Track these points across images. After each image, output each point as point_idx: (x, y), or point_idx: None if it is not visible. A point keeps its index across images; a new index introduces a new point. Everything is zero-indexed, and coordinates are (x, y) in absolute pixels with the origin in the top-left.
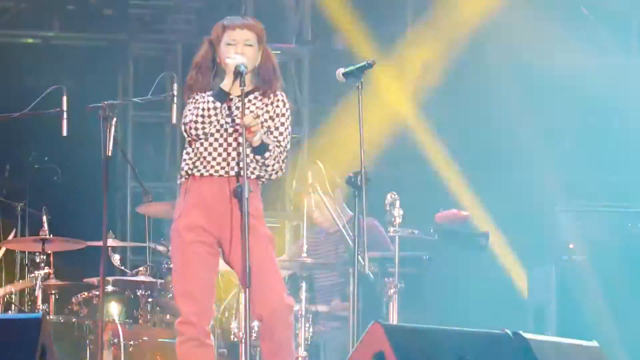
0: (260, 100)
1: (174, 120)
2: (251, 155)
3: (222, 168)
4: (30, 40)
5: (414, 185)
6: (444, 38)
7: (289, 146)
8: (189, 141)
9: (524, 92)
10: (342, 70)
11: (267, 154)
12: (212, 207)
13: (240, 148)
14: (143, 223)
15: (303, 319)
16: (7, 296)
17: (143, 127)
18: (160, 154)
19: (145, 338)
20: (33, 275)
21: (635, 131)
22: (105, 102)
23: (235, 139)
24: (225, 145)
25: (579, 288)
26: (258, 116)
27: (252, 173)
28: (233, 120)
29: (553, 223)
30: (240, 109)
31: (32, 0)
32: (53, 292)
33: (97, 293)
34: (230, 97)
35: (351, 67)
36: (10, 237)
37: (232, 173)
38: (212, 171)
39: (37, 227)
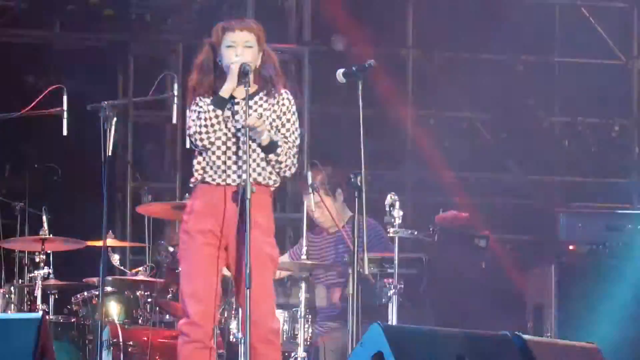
0: (266, 100)
1: (175, 121)
2: (263, 155)
3: (237, 176)
4: (30, 40)
5: (414, 187)
6: (444, 38)
7: (297, 141)
8: (198, 150)
9: (524, 91)
10: (342, 70)
11: (278, 150)
12: (223, 214)
13: (254, 154)
14: (143, 223)
15: (302, 319)
16: (7, 295)
17: (143, 127)
18: (160, 154)
19: (144, 338)
20: (33, 275)
21: (635, 132)
22: (106, 102)
23: (241, 147)
24: (238, 151)
25: (579, 289)
26: (261, 116)
27: (269, 178)
28: (240, 125)
29: (552, 224)
30: (244, 109)
31: (33, 0)
32: (53, 292)
33: (97, 293)
34: (236, 100)
35: (351, 68)
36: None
37: (239, 181)
38: (225, 178)
39: (37, 227)
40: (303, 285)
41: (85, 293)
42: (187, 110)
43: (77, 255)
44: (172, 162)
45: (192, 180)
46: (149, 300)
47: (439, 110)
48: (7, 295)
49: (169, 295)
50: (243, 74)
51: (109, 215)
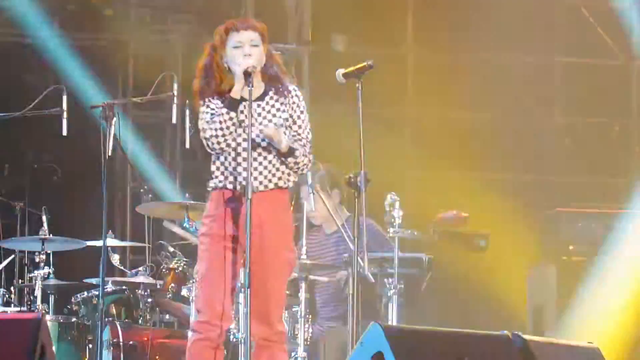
0: (277, 100)
1: (174, 120)
2: (283, 160)
3: (255, 180)
4: (30, 40)
5: (414, 186)
6: (445, 38)
7: (310, 136)
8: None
9: (524, 91)
10: (341, 71)
11: (296, 153)
12: (244, 219)
13: (274, 159)
14: (143, 223)
15: (302, 319)
16: (7, 295)
17: (143, 127)
18: (160, 153)
19: (144, 338)
20: (32, 275)
21: (635, 132)
22: (106, 102)
23: (260, 151)
24: (254, 155)
25: (579, 289)
26: (280, 125)
27: (288, 180)
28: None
29: (553, 224)
30: (247, 109)
31: (33, 0)
32: (52, 292)
33: (97, 293)
34: (246, 101)
35: (351, 68)
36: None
37: (262, 188)
38: (241, 181)
39: (37, 227)
40: (302, 285)
41: (85, 293)
42: (199, 115)
43: (77, 255)
44: (172, 162)
45: (212, 185)
46: (149, 300)
47: (439, 110)
48: (6, 295)
49: (169, 295)
50: (247, 75)
51: (108, 215)
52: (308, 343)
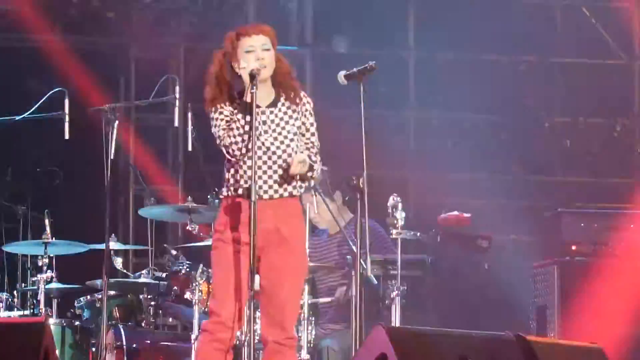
0: (289, 107)
1: (176, 123)
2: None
3: (265, 190)
4: (32, 44)
5: (417, 188)
6: (446, 39)
7: (318, 142)
8: (229, 160)
9: (525, 92)
10: (343, 73)
11: (315, 167)
12: (259, 227)
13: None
14: (145, 226)
15: (305, 322)
16: (10, 299)
17: (145, 130)
18: (162, 156)
19: (147, 341)
20: (36, 278)
21: (637, 132)
22: (108, 105)
23: (271, 157)
24: (268, 160)
25: (581, 290)
26: (304, 160)
27: (300, 187)
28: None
29: (555, 224)
30: (269, 117)
31: (34, 3)
32: (55, 295)
33: (100, 296)
34: (261, 109)
35: (353, 70)
36: None
37: (276, 196)
38: (257, 190)
39: (40, 231)
40: (305, 287)
41: (88, 296)
42: (212, 122)
43: (80, 259)
44: (174, 165)
45: (226, 192)
46: (152, 303)
47: (441, 111)
48: (10, 299)
49: (172, 298)
50: (251, 78)
51: (111, 218)
52: (311, 346)
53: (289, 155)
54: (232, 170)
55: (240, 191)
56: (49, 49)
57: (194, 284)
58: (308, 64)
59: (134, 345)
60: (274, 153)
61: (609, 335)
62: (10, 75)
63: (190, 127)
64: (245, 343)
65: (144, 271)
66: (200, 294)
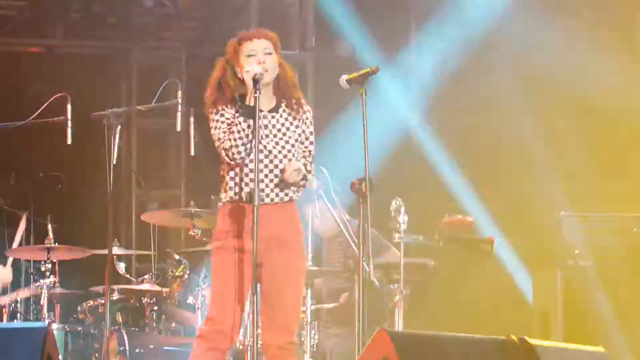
0: (289, 114)
1: (178, 128)
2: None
3: (265, 194)
4: (34, 49)
5: (419, 192)
6: (447, 44)
7: (314, 151)
8: (228, 164)
9: (528, 97)
10: (345, 76)
11: (308, 176)
12: (260, 233)
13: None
14: (148, 231)
15: (309, 326)
16: (13, 304)
17: (147, 135)
18: (164, 161)
19: (151, 346)
20: (39, 283)
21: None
22: (110, 110)
23: (272, 161)
24: (268, 164)
25: (585, 293)
26: (298, 169)
27: (297, 191)
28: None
29: (558, 228)
30: (271, 121)
31: (36, 9)
32: (58, 300)
33: (103, 301)
34: (263, 113)
35: (355, 74)
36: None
37: (277, 200)
38: (262, 196)
39: (42, 236)
40: (308, 292)
41: (91, 301)
42: (211, 123)
43: (83, 264)
44: (176, 169)
45: (225, 198)
46: (155, 308)
47: (444, 115)
48: (12, 305)
49: (175, 303)
50: (254, 82)
51: (114, 223)
52: (314, 350)
53: (290, 160)
54: (231, 174)
55: (240, 196)
56: (52, 54)
57: (196, 289)
58: (310, 68)
59: (137, 350)
60: (275, 157)
61: (613, 339)
62: (12, 81)
63: (192, 132)
64: (248, 348)
65: (146, 276)
66: (203, 298)
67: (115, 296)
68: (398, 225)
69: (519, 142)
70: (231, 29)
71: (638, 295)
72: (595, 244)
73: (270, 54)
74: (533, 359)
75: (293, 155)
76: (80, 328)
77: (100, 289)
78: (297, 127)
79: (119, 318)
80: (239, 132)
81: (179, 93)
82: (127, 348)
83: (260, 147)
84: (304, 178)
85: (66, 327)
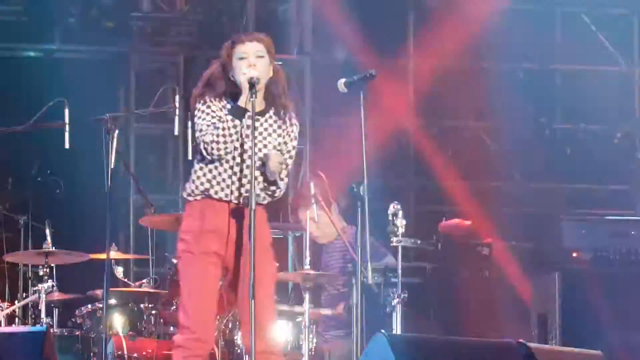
0: (275, 121)
1: (176, 132)
2: (263, 184)
3: (238, 194)
4: (31, 54)
5: (417, 195)
6: (445, 47)
7: (290, 167)
8: (203, 159)
9: (525, 100)
10: (343, 80)
11: (280, 184)
12: (226, 234)
13: (257, 173)
14: (146, 235)
15: (307, 329)
16: (11, 311)
17: (145, 139)
18: (162, 165)
19: (149, 350)
20: (37, 288)
21: (638, 139)
22: (108, 115)
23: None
24: (243, 167)
25: (583, 296)
26: (282, 162)
27: (265, 198)
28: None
29: (556, 231)
30: (241, 116)
31: (33, 13)
32: (56, 305)
33: (101, 306)
34: (248, 112)
35: (353, 78)
36: None
37: (246, 200)
38: (228, 194)
39: (40, 240)
40: (307, 296)
41: (90, 306)
42: (196, 112)
43: (81, 268)
44: (174, 173)
45: (189, 191)
46: (153, 312)
47: (442, 119)
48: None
49: (173, 307)
50: (251, 85)
51: (112, 227)
52: (313, 353)
53: (262, 176)
54: (204, 170)
55: (210, 193)
56: (49, 58)
57: None
58: (307, 72)
59: (135, 355)
60: (249, 158)
61: (611, 342)
62: (10, 85)
63: (190, 136)
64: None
65: (144, 280)
66: None
67: (114, 300)
68: (396, 228)
69: (517, 144)
70: (229, 34)
71: (635, 298)
72: (593, 246)
73: (262, 57)
74: None
75: None
76: (78, 332)
77: (98, 293)
78: (279, 135)
79: (117, 322)
80: (223, 129)
81: (177, 98)
82: (125, 353)
83: (237, 145)
84: (279, 179)
85: (64, 331)
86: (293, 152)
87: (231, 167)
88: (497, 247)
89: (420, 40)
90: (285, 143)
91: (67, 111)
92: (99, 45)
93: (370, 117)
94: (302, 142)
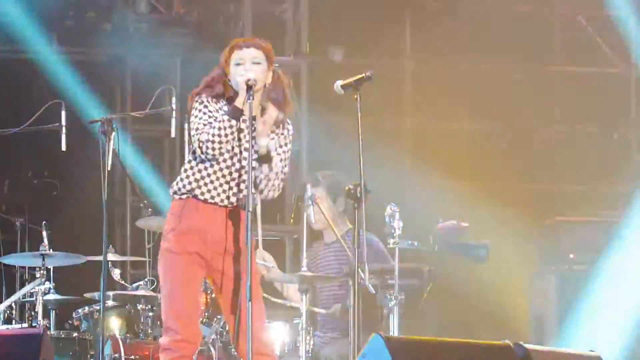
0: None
1: (173, 134)
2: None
3: (225, 196)
4: (28, 56)
5: (414, 197)
6: (442, 48)
7: (286, 170)
8: (194, 158)
9: (522, 100)
10: (340, 82)
11: (273, 164)
12: (209, 235)
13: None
14: (143, 237)
15: (304, 331)
16: (8, 311)
17: (142, 141)
18: (159, 167)
19: (146, 353)
20: (33, 290)
21: (634, 140)
22: (105, 117)
23: (242, 166)
24: (232, 170)
25: (580, 298)
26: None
27: (254, 200)
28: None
29: (552, 233)
30: (248, 121)
31: (30, 16)
32: (53, 307)
33: (98, 308)
34: (244, 115)
35: (349, 80)
36: None
37: (233, 201)
38: (214, 196)
39: (37, 243)
40: (303, 297)
41: (86, 308)
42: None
43: (78, 270)
44: (171, 175)
45: (176, 189)
46: (150, 314)
47: (438, 121)
48: (7, 311)
49: None
50: (248, 88)
51: (108, 229)
52: (309, 355)
53: (254, 168)
54: (194, 170)
55: (197, 193)
56: (46, 60)
57: None
58: (304, 73)
59: (132, 357)
60: (239, 161)
61: (607, 343)
62: (7, 88)
63: (187, 138)
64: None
65: (141, 282)
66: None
67: (110, 302)
68: (393, 230)
69: (514, 146)
70: (225, 36)
71: (632, 300)
72: (589, 248)
73: (258, 63)
74: None
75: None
76: (75, 334)
77: (95, 295)
78: (272, 139)
79: (114, 324)
80: (219, 129)
81: (174, 99)
82: (122, 355)
83: (229, 147)
84: (270, 160)
85: (61, 333)
86: (287, 161)
87: (221, 170)
88: (494, 248)
89: (418, 40)
90: (280, 146)
91: (63, 113)
92: (95, 48)
93: (367, 118)
94: (298, 143)
